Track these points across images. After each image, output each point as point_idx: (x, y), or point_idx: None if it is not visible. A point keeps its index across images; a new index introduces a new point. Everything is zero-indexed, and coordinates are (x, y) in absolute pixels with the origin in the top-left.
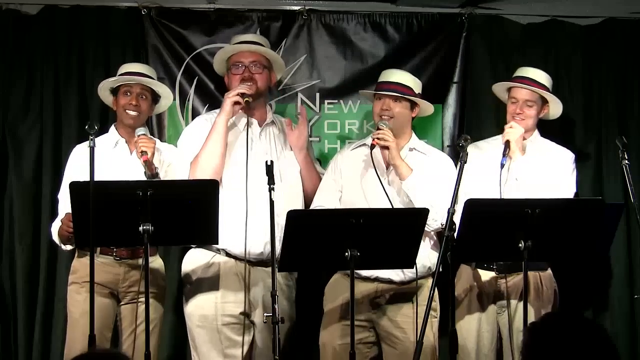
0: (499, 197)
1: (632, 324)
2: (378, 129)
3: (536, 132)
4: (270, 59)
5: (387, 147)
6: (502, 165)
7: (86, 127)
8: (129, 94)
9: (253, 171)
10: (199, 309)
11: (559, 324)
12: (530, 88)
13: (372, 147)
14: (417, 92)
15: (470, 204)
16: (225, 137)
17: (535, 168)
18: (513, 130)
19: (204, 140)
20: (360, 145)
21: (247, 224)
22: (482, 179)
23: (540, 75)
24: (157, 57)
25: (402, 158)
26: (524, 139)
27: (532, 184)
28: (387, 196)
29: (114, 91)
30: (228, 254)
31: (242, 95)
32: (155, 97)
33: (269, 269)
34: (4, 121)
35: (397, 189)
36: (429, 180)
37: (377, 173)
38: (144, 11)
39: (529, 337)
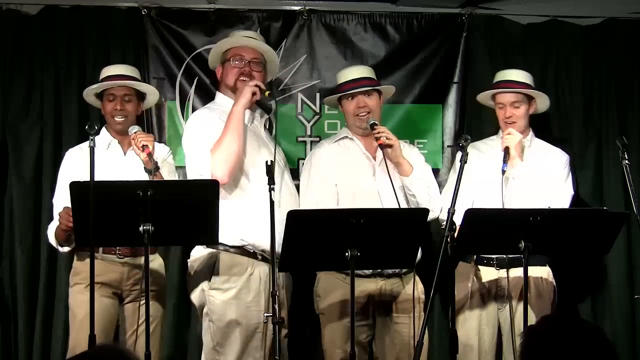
0: (500, 201)
1: (632, 325)
2: (373, 128)
3: (531, 133)
4: (267, 59)
5: (391, 146)
6: (504, 172)
7: (86, 127)
8: (112, 98)
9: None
10: (228, 310)
11: (556, 327)
12: (513, 90)
13: (382, 146)
14: (375, 79)
15: (471, 213)
16: (243, 124)
17: (534, 171)
18: (511, 137)
19: (214, 128)
20: (342, 138)
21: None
22: (484, 179)
23: (519, 75)
24: (157, 57)
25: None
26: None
27: (532, 189)
28: (395, 193)
29: (100, 95)
30: (249, 252)
31: (260, 88)
32: (141, 95)
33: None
34: (4, 121)
35: (399, 185)
36: (423, 174)
37: (389, 173)
38: (144, 11)
39: (527, 339)
